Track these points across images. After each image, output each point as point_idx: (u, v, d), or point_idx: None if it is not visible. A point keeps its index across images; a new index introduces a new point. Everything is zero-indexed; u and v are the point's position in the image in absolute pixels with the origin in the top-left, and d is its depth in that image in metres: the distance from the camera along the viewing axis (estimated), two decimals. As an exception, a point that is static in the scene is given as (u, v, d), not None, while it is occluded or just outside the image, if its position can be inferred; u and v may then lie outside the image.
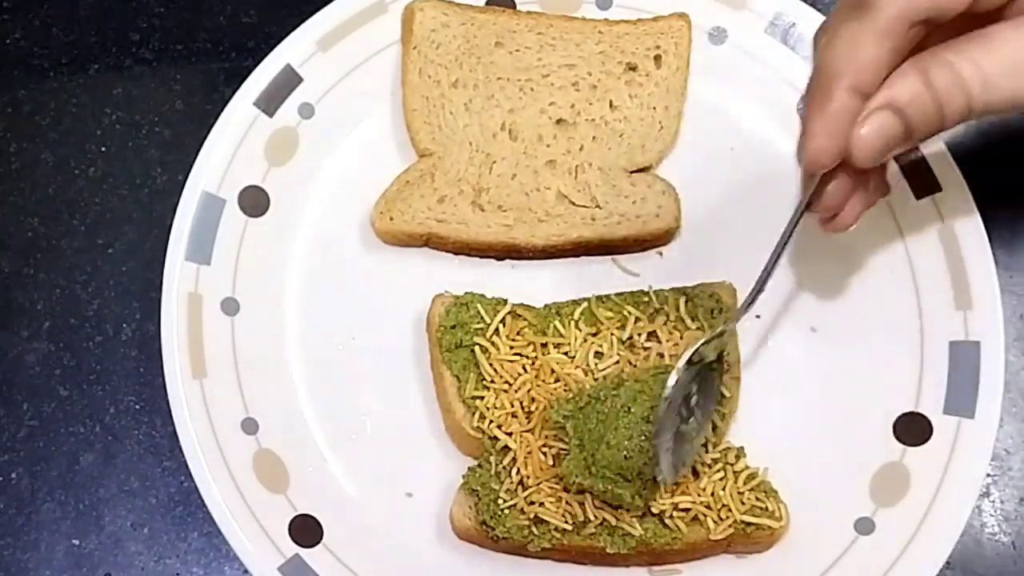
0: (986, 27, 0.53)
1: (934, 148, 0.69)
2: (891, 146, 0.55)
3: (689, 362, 0.60)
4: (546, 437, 0.65)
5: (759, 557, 0.66)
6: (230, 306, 0.70)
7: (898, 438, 0.67)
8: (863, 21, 0.53)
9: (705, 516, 0.64)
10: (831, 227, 0.61)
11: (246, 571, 0.66)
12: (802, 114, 0.61)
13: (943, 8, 0.53)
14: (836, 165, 0.56)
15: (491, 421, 0.66)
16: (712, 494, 0.64)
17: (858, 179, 0.59)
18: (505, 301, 0.68)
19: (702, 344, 0.61)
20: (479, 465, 0.66)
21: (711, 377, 0.63)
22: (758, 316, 0.70)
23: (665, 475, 0.61)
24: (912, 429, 0.67)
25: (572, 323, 0.67)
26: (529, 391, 0.66)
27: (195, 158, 0.71)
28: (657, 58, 0.73)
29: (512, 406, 0.66)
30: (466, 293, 0.69)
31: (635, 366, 0.66)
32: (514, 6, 0.75)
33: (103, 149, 0.77)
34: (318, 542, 0.66)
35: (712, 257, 0.71)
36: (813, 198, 0.59)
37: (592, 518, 0.64)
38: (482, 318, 0.67)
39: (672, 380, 0.59)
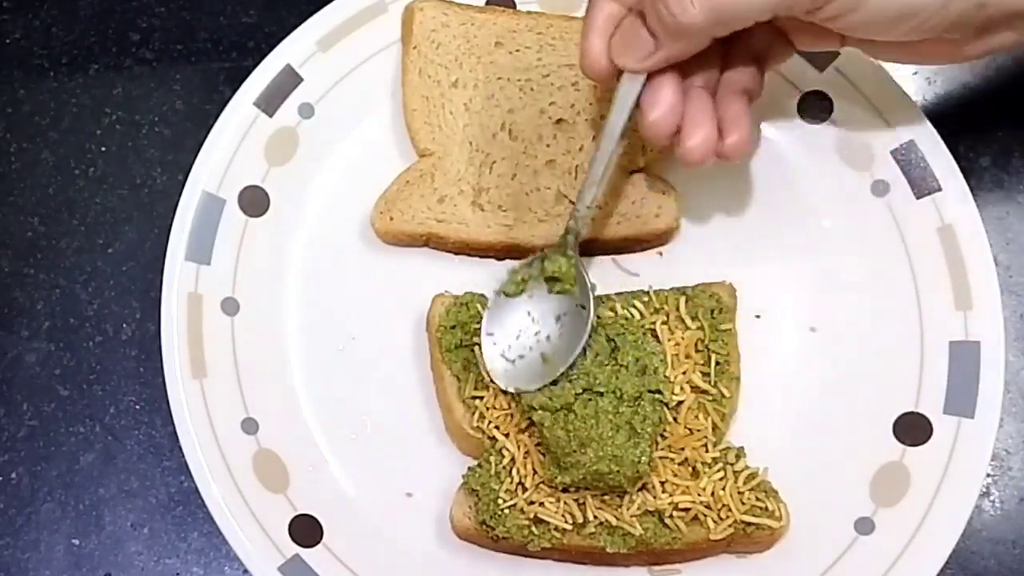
0: None
1: (934, 148, 0.69)
2: (638, 48, 0.58)
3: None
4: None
5: (759, 557, 0.66)
6: (230, 306, 0.70)
7: (898, 438, 0.67)
8: None
9: (705, 516, 0.64)
10: (681, 155, 0.61)
11: (246, 571, 0.66)
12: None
13: None
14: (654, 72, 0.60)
15: (490, 421, 0.65)
16: (712, 494, 0.64)
17: (685, 91, 0.60)
18: (505, 301, 0.68)
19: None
20: (479, 465, 0.66)
21: (579, 315, 0.65)
22: (758, 316, 0.69)
23: (493, 371, 0.65)
24: (912, 429, 0.66)
25: (572, 323, 0.67)
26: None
27: (195, 158, 0.71)
28: (657, 58, 0.73)
29: (510, 406, 0.65)
30: (466, 293, 0.68)
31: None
32: (514, 6, 0.74)
33: (103, 149, 0.77)
34: (318, 542, 0.66)
35: (712, 257, 0.71)
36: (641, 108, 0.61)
37: (592, 518, 0.64)
38: (482, 318, 0.67)
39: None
